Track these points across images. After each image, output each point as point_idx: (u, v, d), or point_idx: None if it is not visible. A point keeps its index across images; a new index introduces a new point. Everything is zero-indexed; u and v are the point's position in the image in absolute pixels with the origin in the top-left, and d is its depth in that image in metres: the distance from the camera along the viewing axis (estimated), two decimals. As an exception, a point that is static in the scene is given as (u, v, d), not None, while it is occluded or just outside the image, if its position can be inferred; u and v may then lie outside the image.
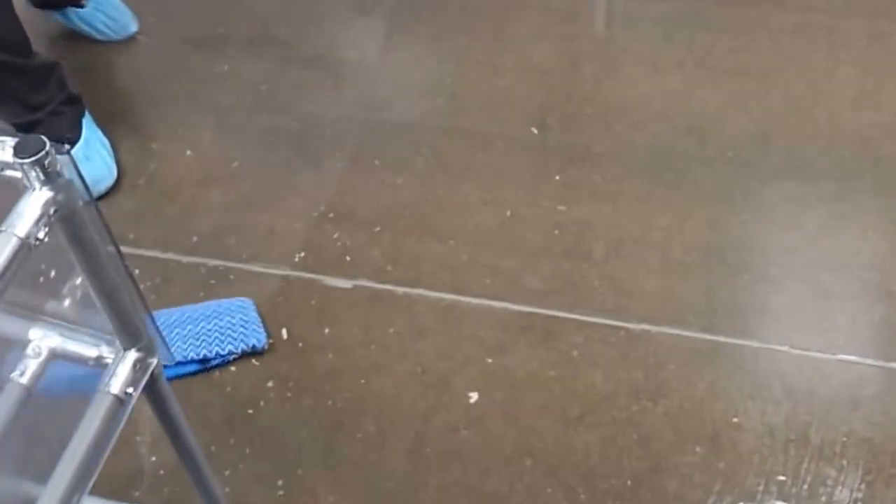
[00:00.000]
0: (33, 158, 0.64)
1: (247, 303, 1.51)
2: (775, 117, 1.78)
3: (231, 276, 1.58)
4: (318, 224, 1.65)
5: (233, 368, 1.46)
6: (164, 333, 1.25)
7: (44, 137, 0.65)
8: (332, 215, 1.66)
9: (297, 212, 1.67)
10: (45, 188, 0.66)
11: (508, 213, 1.65)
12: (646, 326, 1.50)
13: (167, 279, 1.57)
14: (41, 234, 0.66)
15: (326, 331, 1.50)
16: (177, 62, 1.97)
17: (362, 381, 1.45)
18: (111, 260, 0.79)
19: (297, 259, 1.59)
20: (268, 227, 1.65)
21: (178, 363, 1.44)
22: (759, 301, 1.53)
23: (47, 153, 0.64)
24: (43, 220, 0.66)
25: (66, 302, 0.89)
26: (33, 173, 0.65)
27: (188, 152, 1.78)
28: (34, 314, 0.90)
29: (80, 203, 0.69)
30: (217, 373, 1.45)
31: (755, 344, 1.48)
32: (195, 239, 1.64)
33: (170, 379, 1.27)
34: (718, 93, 1.82)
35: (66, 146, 0.67)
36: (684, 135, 1.75)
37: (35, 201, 0.66)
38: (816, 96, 1.81)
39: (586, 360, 1.47)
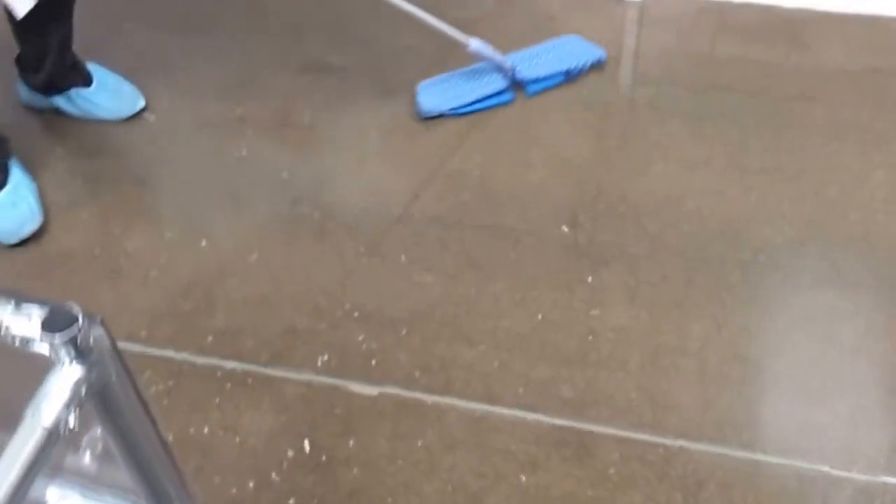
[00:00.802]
0: (65, 335, 0.57)
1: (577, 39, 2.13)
2: (809, 220, 1.73)
3: (249, 381, 1.49)
4: (343, 324, 1.57)
5: (251, 484, 1.37)
6: (528, 64, 2.04)
7: (75, 309, 0.58)
8: (357, 315, 1.59)
9: (320, 310, 1.59)
10: (75, 363, 0.59)
11: (540, 316, 1.58)
12: (683, 443, 1.43)
13: (180, 383, 1.49)
14: (71, 421, 0.58)
15: (351, 443, 1.42)
16: (192, 146, 1.91)
17: (389, 499, 1.36)
18: (144, 428, 0.71)
19: (319, 363, 1.52)
20: (289, 327, 1.57)
21: (546, 78, 2.03)
22: (798, 417, 1.46)
23: (80, 328, 0.57)
24: (73, 402, 0.58)
25: (86, 456, 0.80)
26: (63, 350, 0.58)
27: (203, 242, 1.70)
28: (50, 469, 0.81)
29: (114, 376, 0.61)
30: (234, 489, 1.37)
31: (797, 463, 1.42)
32: (210, 338, 1.55)
33: (539, 92, 2.02)
34: (751, 193, 1.78)
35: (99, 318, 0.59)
36: (717, 236, 1.70)
37: (65, 380, 0.58)
38: (850, 199, 1.77)
39: (624, 479, 1.39)
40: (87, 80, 1.94)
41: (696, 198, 1.77)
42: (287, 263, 1.67)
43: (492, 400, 1.47)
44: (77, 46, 1.94)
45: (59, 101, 1.95)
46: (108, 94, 1.96)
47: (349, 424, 1.44)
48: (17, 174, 1.76)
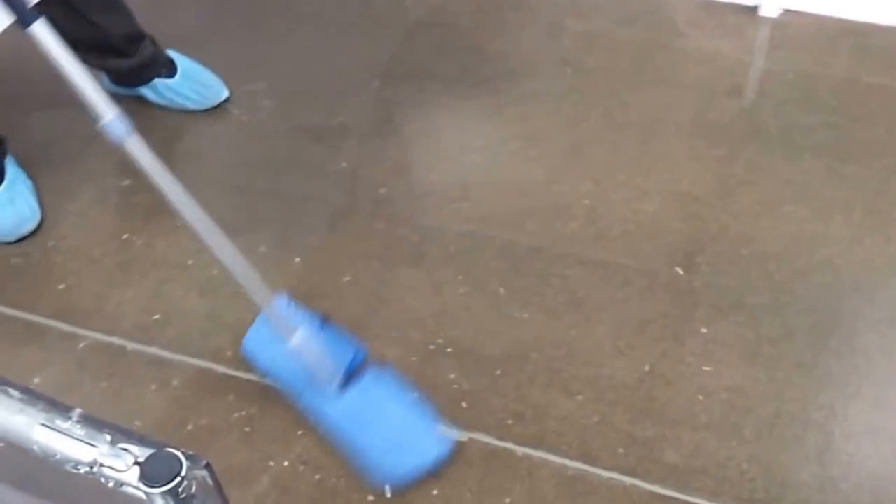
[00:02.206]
0: (166, 488, 0.49)
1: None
2: (959, 279, 1.55)
3: (334, 414, 1.42)
4: (434, 359, 1.48)
5: (328, 528, 1.30)
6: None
7: (181, 456, 0.50)
8: (449, 350, 1.49)
9: (412, 342, 1.51)
10: None
11: (647, 367, 1.46)
12: (800, 525, 1.29)
13: (263, 410, 1.42)
14: None
15: (435, 492, 1.33)
16: (291, 153, 1.84)
17: (471, 560, 1.27)
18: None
19: (407, 400, 1.44)
20: (378, 357, 1.49)
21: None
22: (935, 505, 1.31)
23: (184, 479, 0.49)
24: None
25: None
26: (162, 501, 0.50)
27: (296, 259, 1.64)
28: None
29: None
30: (310, 532, 1.30)
31: (929, 559, 1.26)
32: (298, 363, 1.49)
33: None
34: (892, 244, 1.60)
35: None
36: (851, 292, 1.54)
37: None
38: None
39: (730, 560, 1.27)
40: (170, 70, 1.93)
41: (830, 246, 1.60)
42: (381, 288, 1.59)
43: (588, 458, 1.36)
44: (169, 38, 1.93)
45: (143, 90, 1.95)
46: (191, 83, 1.94)
47: (434, 471, 1.36)
48: (13, 172, 1.76)
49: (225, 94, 1.96)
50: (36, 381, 1.46)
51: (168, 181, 1.21)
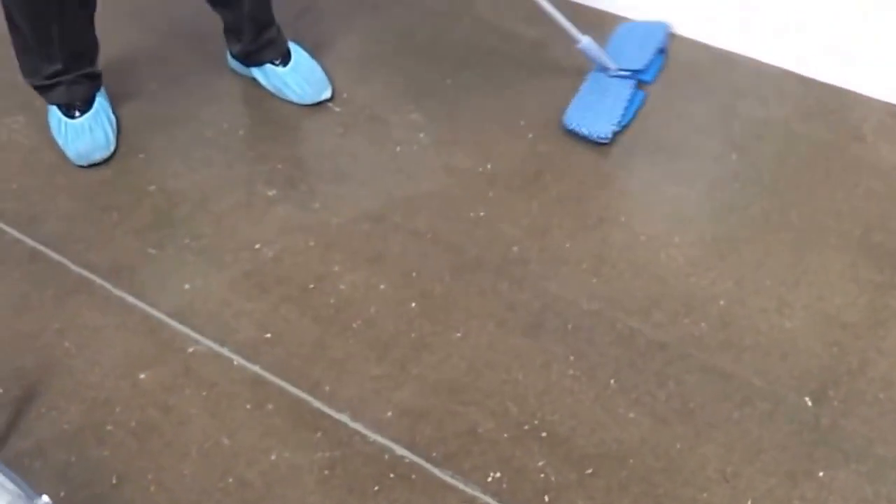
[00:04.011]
0: None
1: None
2: None
3: (413, 476, 1.39)
4: (526, 441, 1.43)
5: None
6: (628, 56, 2.06)
7: None
8: (544, 434, 1.44)
9: (508, 417, 1.46)
10: None
11: (749, 502, 1.36)
12: None
13: (345, 456, 1.41)
14: None
15: (498, 586, 1.29)
16: (433, 192, 1.82)
17: None
18: None
19: (490, 479, 1.39)
20: (470, 426, 1.45)
21: (652, 62, 2.07)
22: None
23: None
24: None
25: None
26: None
27: (413, 304, 1.62)
28: None
29: None
30: None
31: None
32: (390, 414, 1.47)
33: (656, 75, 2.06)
34: None
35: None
36: None
37: None
38: None
39: None
40: (285, 60, 2.00)
41: (985, 410, 1.45)
42: (489, 352, 1.55)
43: (665, 588, 1.28)
44: (348, 54, 2.01)
45: (257, 73, 2.03)
46: (297, 78, 2.00)
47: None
48: (100, 104, 1.91)
49: (326, 94, 2.02)
50: (142, 376, 1.52)
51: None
